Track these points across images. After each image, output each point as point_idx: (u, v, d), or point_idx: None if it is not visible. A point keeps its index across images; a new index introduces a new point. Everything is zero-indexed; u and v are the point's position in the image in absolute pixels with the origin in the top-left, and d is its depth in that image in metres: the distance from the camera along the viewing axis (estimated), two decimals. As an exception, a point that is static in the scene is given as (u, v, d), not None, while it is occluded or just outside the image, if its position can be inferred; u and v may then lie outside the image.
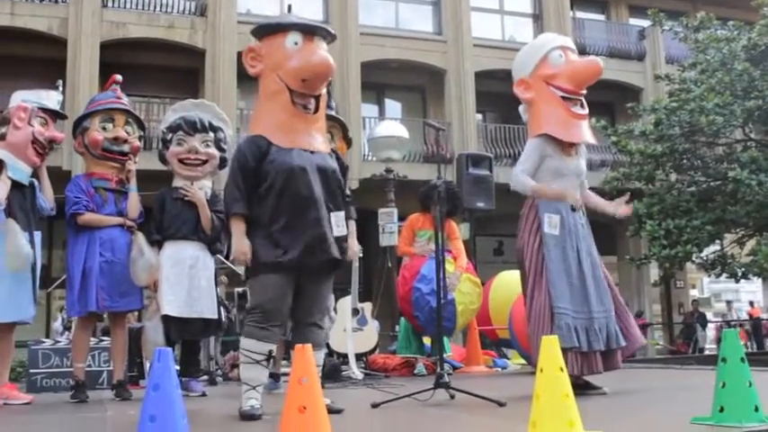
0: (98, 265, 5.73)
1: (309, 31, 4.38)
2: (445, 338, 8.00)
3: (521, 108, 5.41)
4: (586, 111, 5.20)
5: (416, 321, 7.90)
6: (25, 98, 5.88)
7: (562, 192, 4.94)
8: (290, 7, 4.84)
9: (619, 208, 5.21)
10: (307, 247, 4.13)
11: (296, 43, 4.30)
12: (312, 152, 4.31)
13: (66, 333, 12.40)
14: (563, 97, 5.08)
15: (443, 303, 7.16)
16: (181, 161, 6.10)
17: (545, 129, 5.07)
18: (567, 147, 5.09)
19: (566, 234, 4.94)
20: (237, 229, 4.16)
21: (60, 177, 6.68)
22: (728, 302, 25.07)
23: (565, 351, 4.38)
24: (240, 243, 4.12)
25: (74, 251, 5.82)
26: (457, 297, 7.68)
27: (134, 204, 6.00)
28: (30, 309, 5.62)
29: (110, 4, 16.81)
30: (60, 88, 6.34)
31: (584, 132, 5.15)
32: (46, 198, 5.86)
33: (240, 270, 7.81)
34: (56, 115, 6.00)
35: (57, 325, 14.65)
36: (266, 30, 4.44)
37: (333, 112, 6.39)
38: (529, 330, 5.00)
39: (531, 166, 5.02)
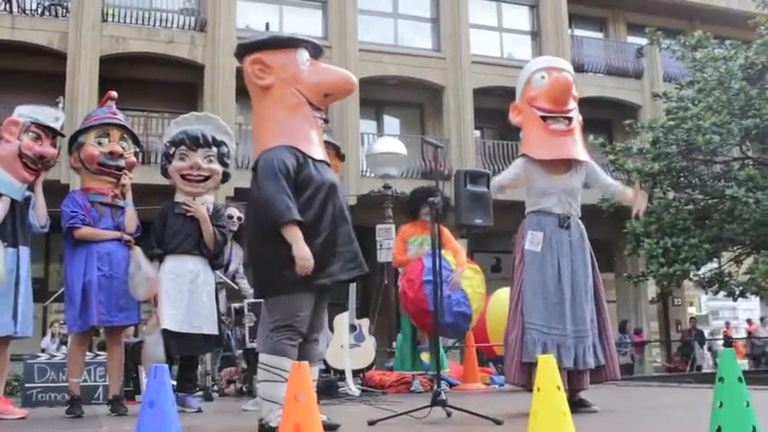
0: (96, 280, 5.73)
1: (315, 49, 4.45)
2: (443, 354, 7.95)
3: (521, 133, 5.54)
4: (572, 126, 5.23)
5: (432, 318, 7.66)
6: (21, 112, 5.85)
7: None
8: (267, 25, 4.84)
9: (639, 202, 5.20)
10: (345, 263, 4.16)
11: (307, 60, 4.37)
12: (329, 165, 4.38)
13: (63, 348, 12.34)
14: (542, 116, 5.21)
15: (452, 293, 7.18)
16: (183, 176, 6.09)
17: (525, 150, 5.28)
18: (553, 165, 5.14)
19: (547, 251, 4.99)
20: (296, 235, 3.98)
21: (59, 191, 6.67)
22: (762, 319, 24.87)
23: (532, 365, 4.43)
24: (303, 250, 3.96)
25: (72, 266, 5.81)
26: (462, 282, 7.66)
27: (131, 219, 6.00)
28: (9, 325, 5.53)
29: (110, 18, 16.87)
30: (61, 105, 6.21)
31: (567, 148, 5.16)
32: (38, 215, 5.78)
33: (244, 286, 7.82)
34: (52, 131, 5.92)
35: (47, 342, 14.41)
36: (278, 43, 4.42)
37: (325, 137, 6.38)
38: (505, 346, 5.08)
39: (506, 176, 5.36)
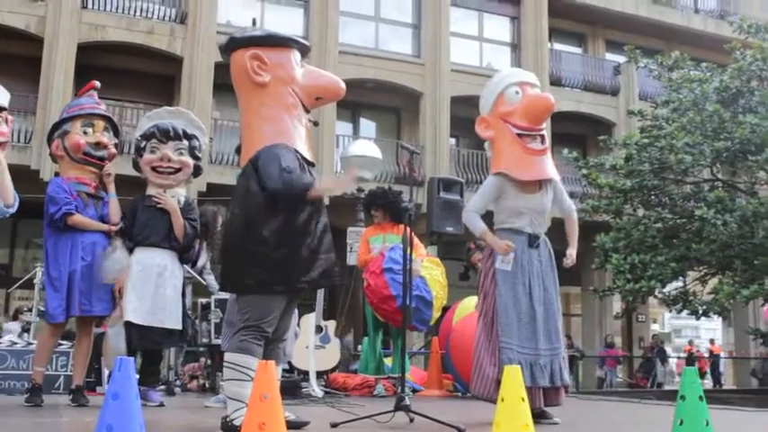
0: (80, 269, 5.69)
1: (303, 51, 4.45)
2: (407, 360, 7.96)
3: (486, 145, 5.49)
4: (545, 145, 5.22)
5: (396, 304, 7.61)
6: None
7: (497, 244, 4.99)
8: (254, 21, 4.77)
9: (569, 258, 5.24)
10: (324, 270, 4.18)
11: (299, 61, 4.38)
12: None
13: (25, 335, 12.14)
14: (519, 134, 5.13)
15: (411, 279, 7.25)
16: (153, 169, 6.07)
17: (502, 167, 5.14)
18: (527, 184, 5.11)
19: (518, 270, 4.98)
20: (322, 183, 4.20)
21: (30, 177, 6.63)
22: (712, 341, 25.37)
23: None
24: (331, 177, 4.11)
25: (57, 254, 5.73)
26: (421, 271, 7.84)
27: (115, 210, 5.98)
28: None
29: (89, 5, 16.72)
30: None
31: (543, 168, 5.15)
32: (3, 196, 5.24)
33: (211, 282, 7.77)
34: None
35: (11, 325, 14.12)
36: (276, 41, 4.37)
37: None
38: (473, 359, 5.03)
39: (483, 203, 5.15)
